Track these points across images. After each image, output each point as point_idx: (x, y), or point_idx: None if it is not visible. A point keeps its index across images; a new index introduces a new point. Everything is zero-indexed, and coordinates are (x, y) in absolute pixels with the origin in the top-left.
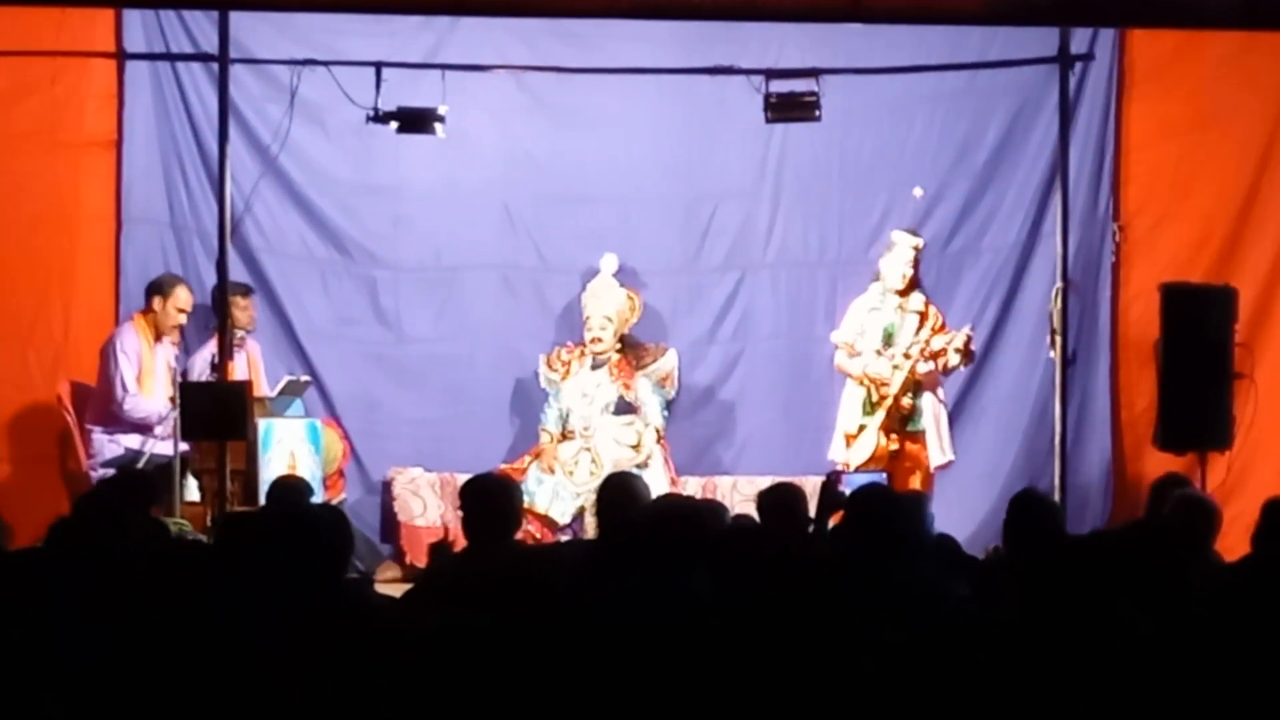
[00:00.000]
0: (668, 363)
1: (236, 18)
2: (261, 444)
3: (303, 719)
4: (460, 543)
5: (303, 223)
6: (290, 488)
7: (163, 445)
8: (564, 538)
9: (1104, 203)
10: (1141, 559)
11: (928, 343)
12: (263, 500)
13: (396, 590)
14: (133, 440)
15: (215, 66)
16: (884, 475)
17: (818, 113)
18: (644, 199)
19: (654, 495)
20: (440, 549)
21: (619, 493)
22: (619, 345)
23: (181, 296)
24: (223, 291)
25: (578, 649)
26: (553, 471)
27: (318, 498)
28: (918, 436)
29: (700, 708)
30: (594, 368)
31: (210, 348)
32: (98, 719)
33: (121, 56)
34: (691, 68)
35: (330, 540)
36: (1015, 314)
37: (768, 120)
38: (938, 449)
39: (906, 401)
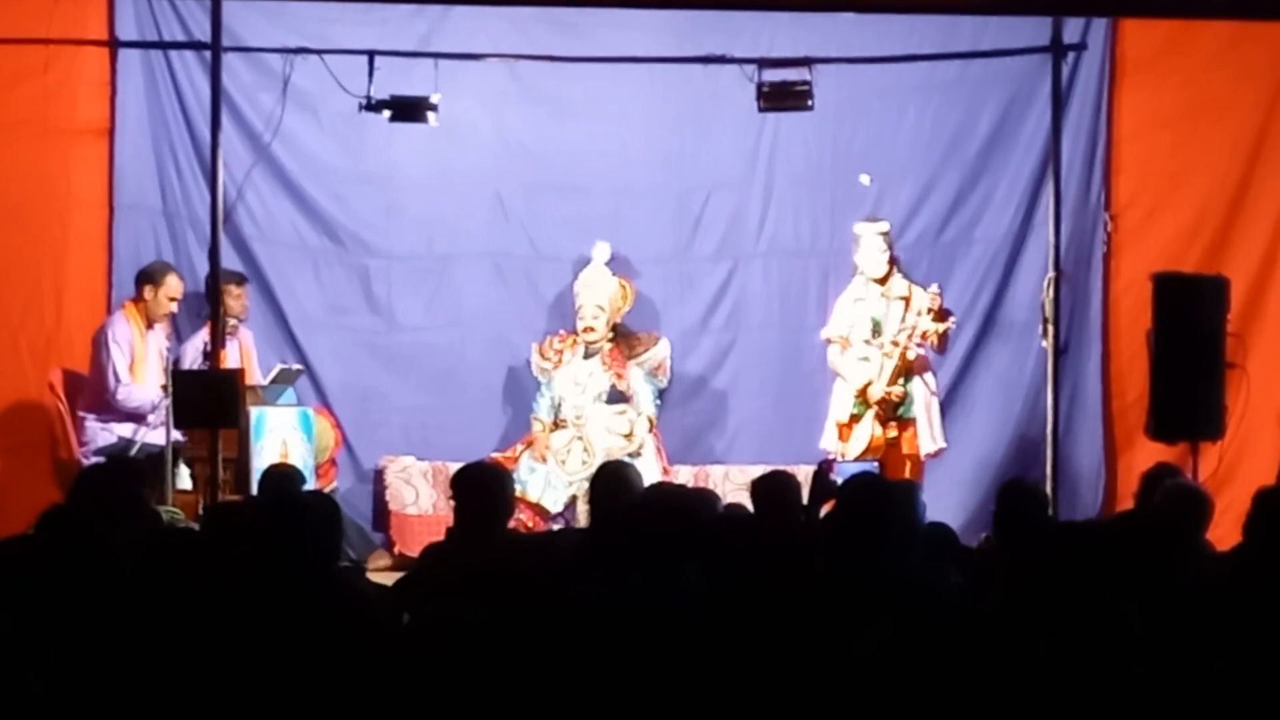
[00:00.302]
0: (660, 352)
1: (229, 6)
2: (254, 432)
3: (294, 706)
4: None
5: (295, 211)
6: (282, 476)
7: (155, 433)
8: (556, 526)
9: (1096, 193)
10: (1133, 549)
11: (913, 328)
12: (255, 489)
13: (388, 579)
14: (125, 428)
15: (208, 54)
16: (876, 464)
17: (810, 102)
18: (636, 188)
19: (646, 484)
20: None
21: (612, 482)
22: (611, 334)
23: (172, 284)
24: (215, 280)
25: (569, 638)
26: (545, 460)
27: (310, 486)
28: (909, 424)
29: (691, 696)
30: (586, 356)
31: (202, 336)
32: (87, 707)
33: (114, 44)
34: (684, 56)
35: (321, 528)
36: (1007, 304)
37: (760, 109)
38: (929, 437)
39: (898, 389)
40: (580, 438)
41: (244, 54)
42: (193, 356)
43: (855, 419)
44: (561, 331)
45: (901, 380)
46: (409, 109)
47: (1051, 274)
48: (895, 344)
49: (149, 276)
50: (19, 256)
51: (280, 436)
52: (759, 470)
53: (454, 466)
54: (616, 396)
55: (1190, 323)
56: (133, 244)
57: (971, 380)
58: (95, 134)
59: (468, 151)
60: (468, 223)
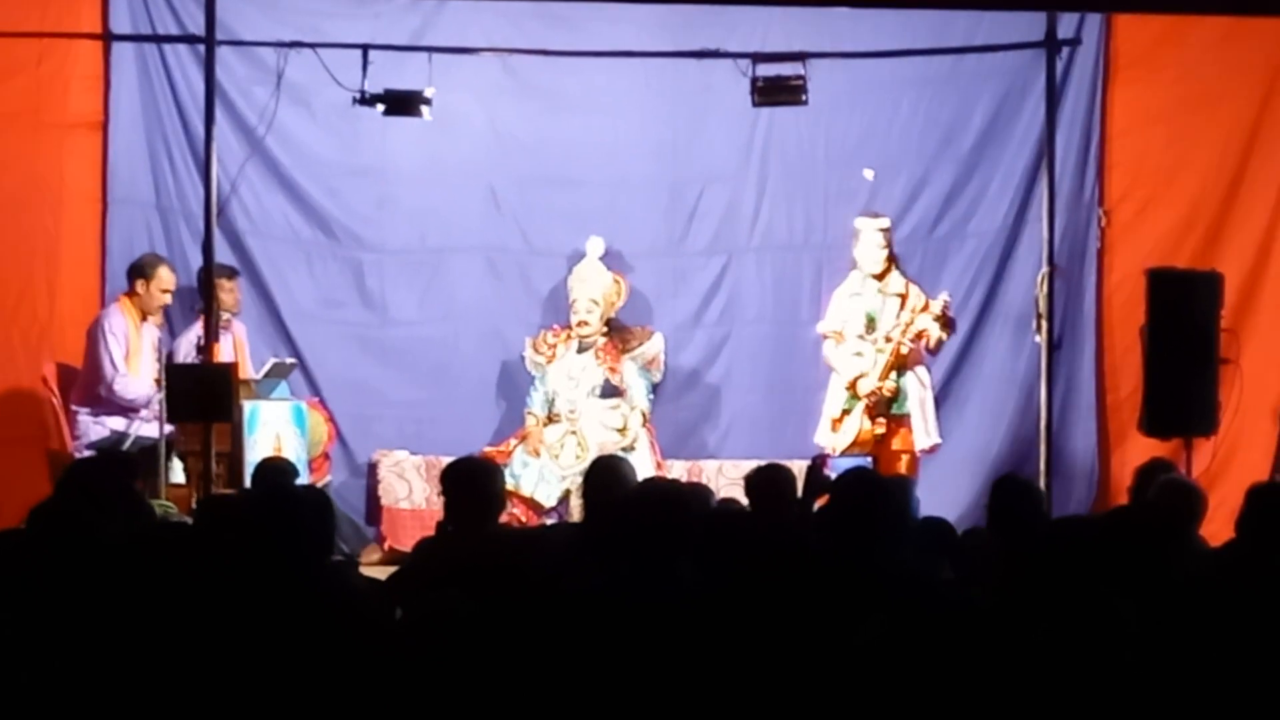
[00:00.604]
0: (653, 346)
1: (223, 0)
2: (247, 426)
3: (286, 701)
4: None
5: (288, 205)
6: (275, 469)
7: (148, 427)
8: (549, 521)
9: (1090, 188)
10: (1126, 544)
11: (909, 324)
12: (248, 482)
13: (381, 573)
14: (118, 422)
15: (201, 48)
16: (869, 459)
17: (804, 97)
18: (630, 182)
19: (639, 479)
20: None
21: (605, 476)
22: (605, 328)
23: (164, 277)
24: (208, 273)
25: (563, 631)
26: (538, 454)
27: (303, 480)
28: (903, 419)
29: (685, 689)
30: (580, 351)
31: (196, 330)
32: (80, 702)
33: (107, 38)
34: (678, 51)
35: (313, 522)
36: (1001, 299)
37: (754, 104)
38: (923, 432)
39: (891, 385)
40: (574, 432)
41: (238, 47)
42: (186, 350)
43: (847, 413)
44: (555, 326)
45: (894, 375)
46: (403, 103)
47: (1045, 269)
48: (889, 339)
49: (140, 270)
50: (12, 250)
51: (273, 430)
52: (752, 465)
53: (447, 460)
54: (610, 391)
55: (1184, 318)
56: (126, 238)
57: (966, 375)
58: (89, 127)
59: (461, 145)
60: (461, 216)
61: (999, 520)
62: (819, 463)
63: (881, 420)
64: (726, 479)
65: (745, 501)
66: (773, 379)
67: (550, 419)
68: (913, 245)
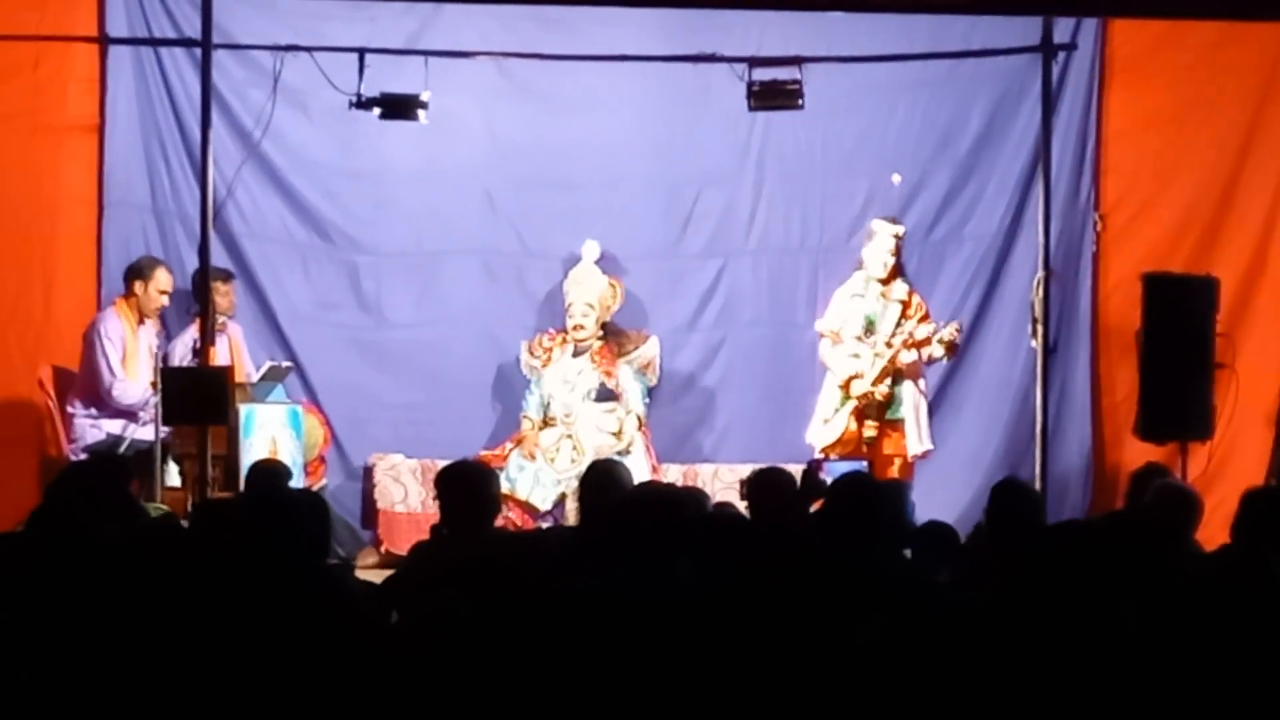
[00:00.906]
0: (649, 350)
1: (220, 2)
2: (243, 429)
3: (282, 704)
4: None
5: (284, 207)
6: (269, 472)
7: (144, 430)
8: (545, 524)
9: (1085, 192)
10: (1122, 548)
11: (911, 333)
12: (243, 486)
13: (377, 576)
14: (114, 425)
15: (198, 51)
16: (864, 464)
17: (801, 101)
18: (626, 185)
19: (635, 483)
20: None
21: (601, 480)
22: (601, 332)
23: (162, 279)
24: (204, 276)
25: (560, 632)
26: (534, 458)
27: (299, 483)
28: (896, 425)
29: (682, 690)
30: (575, 355)
31: (192, 333)
32: (77, 705)
33: (104, 40)
34: (674, 55)
35: (309, 525)
36: (997, 303)
37: (751, 108)
38: (916, 438)
39: (884, 390)
40: (569, 436)
41: (234, 51)
42: (182, 353)
43: (838, 413)
44: (551, 329)
45: (888, 381)
46: (399, 106)
47: (1041, 273)
48: (889, 345)
49: (138, 272)
50: (8, 253)
51: (269, 433)
52: (748, 468)
53: (443, 464)
54: (606, 394)
55: (1180, 322)
56: (122, 241)
57: (961, 379)
58: (85, 130)
59: (457, 148)
60: (457, 219)
61: (997, 523)
62: (815, 467)
63: (874, 424)
64: (722, 483)
65: (741, 506)
66: (769, 382)
67: (546, 422)
68: (909, 249)
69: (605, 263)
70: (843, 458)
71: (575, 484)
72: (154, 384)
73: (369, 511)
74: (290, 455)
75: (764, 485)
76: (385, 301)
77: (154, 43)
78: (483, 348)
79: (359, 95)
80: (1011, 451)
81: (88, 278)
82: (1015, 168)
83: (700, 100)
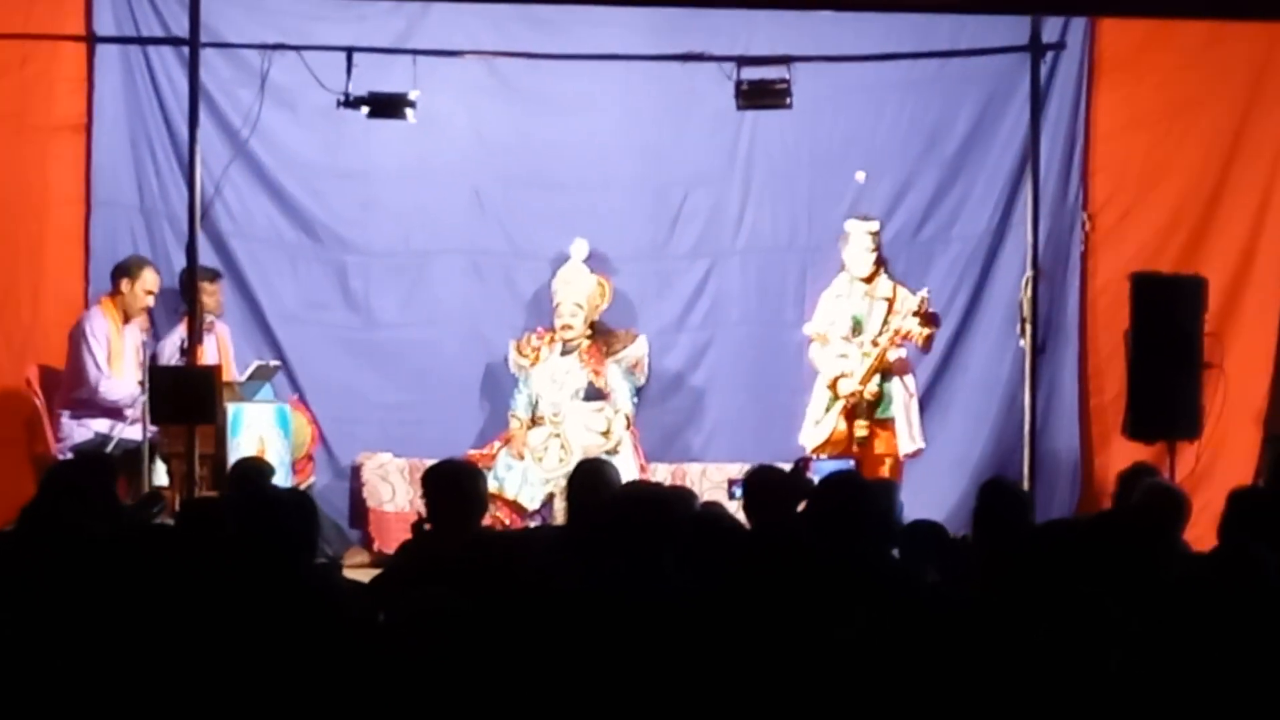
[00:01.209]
0: (638, 349)
1: (207, 1)
2: (230, 428)
3: (270, 703)
4: None
5: (272, 207)
6: (251, 470)
7: (131, 429)
8: (533, 524)
9: (1074, 192)
10: (1110, 548)
11: (896, 331)
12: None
13: (365, 576)
14: (101, 424)
15: (185, 50)
16: (852, 463)
17: (789, 100)
18: (614, 185)
19: (623, 482)
20: (421, 526)
21: (589, 479)
22: (589, 332)
23: (149, 278)
24: (192, 275)
25: (548, 628)
26: (522, 457)
27: (287, 482)
28: (887, 424)
29: (669, 686)
30: (564, 354)
31: (179, 332)
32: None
33: (91, 39)
34: (662, 54)
35: (295, 525)
36: (985, 302)
37: (739, 108)
38: (907, 437)
39: (873, 389)
40: (558, 435)
41: (222, 50)
42: (170, 353)
43: (827, 413)
44: (539, 329)
45: (877, 379)
46: (387, 106)
47: (1029, 273)
48: (875, 344)
49: (125, 270)
50: None
51: (257, 433)
52: (736, 468)
53: (431, 463)
54: (594, 394)
55: (1168, 322)
56: (110, 240)
57: (949, 379)
58: (72, 129)
59: (446, 147)
60: (445, 219)
61: (984, 523)
62: (802, 466)
63: (864, 424)
64: (710, 482)
65: (730, 506)
66: (757, 382)
67: (534, 422)
68: (897, 248)
69: (593, 262)
70: (832, 457)
71: (564, 483)
72: (141, 383)
73: (357, 511)
74: (278, 454)
75: (760, 484)
76: (373, 301)
77: (141, 41)
78: (471, 347)
79: (347, 94)
80: (999, 451)
81: (75, 277)
82: (1003, 167)
83: (688, 100)
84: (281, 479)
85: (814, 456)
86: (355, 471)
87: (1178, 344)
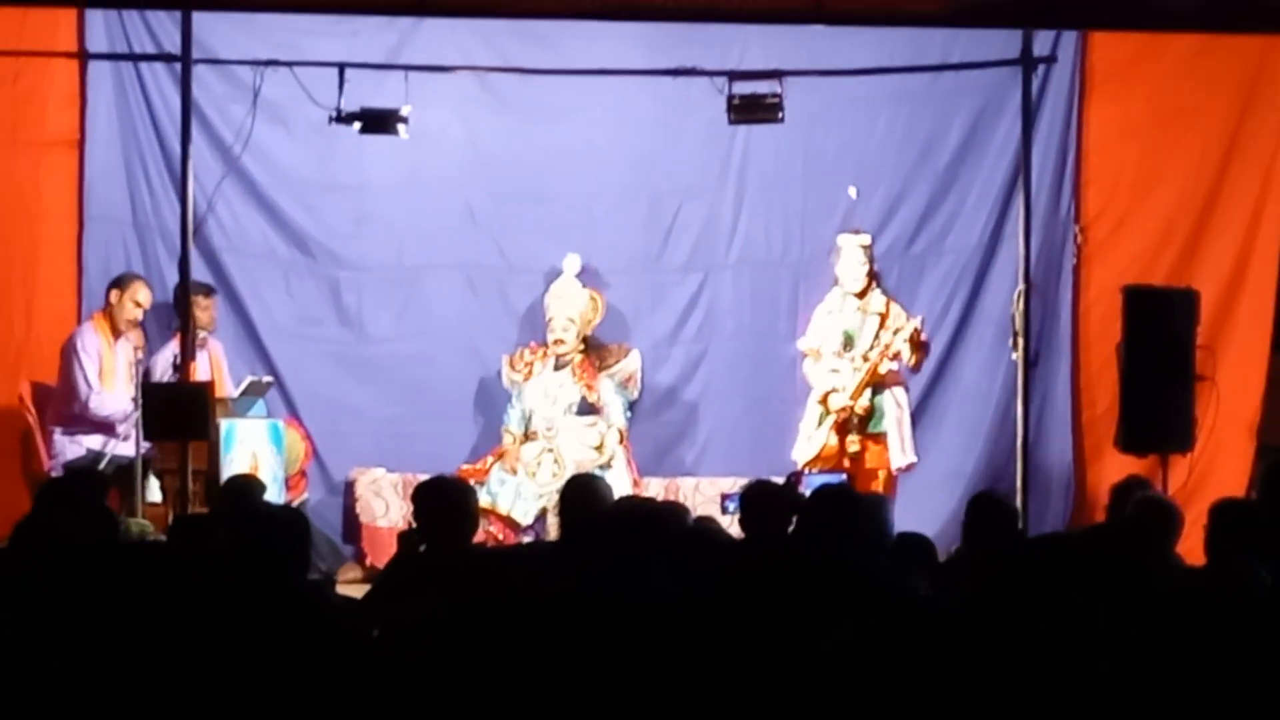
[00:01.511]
0: (631, 364)
1: (199, 17)
2: (223, 444)
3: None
4: None
5: (265, 222)
6: (242, 488)
7: (124, 446)
8: (526, 539)
9: (1066, 204)
10: (1103, 561)
11: (887, 346)
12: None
13: (358, 591)
14: (94, 441)
15: (178, 66)
16: (844, 476)
17: (781, 114)
18: (607, 199)
19: (616, 497)
20: (408, 537)
21: (582, 494)
22: (582, 346)
23: (138, 291)
24: (185, 291)
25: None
26: (515, 472)
27: (280, 498)
28: (879, 438)
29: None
30: (557, 368)
31: (172, 348)
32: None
33: (84, 56)
34: (654, 69)
35: (288, 541)
36: (977, 315)
37: (731, 122)
38: (899, 450)
39: (864, 403)
40: (551, 450)
41: (214, 65)
42: (162, 368)
43: (819, 428)
44: (532, 343)
45: (868, 394)
46: (379, 121)
47: (1022, 285)
48: (866, 359)
49: (116, 283)
50: None
51: (250, 449)
52: (730, 482)
53: (424, 478)
54: (587, 408)
55: (1160, 335)
56: (102, 255)
57: (942, 392)
58: (65, 145)
59: (438, 162)
60: (438, 233)
61: (974, 537)
62: (794, 480)
63: (855, 438)
64: (704, 496)
65: (723, 520)
66: (750, 395)
67: (527, 436)
68: (889, 261)
69: (586, 276)
70: (824, 472)
71: (556, 498)
72: (134, 399)
73: (350, 526)
74: (271, 470)
75: (758, 498)
76: (366, 316)
77: (134, 58)
78: (464, 362)
79: (339, 110)
80: (992, 464)
81: (68, 293)
82: (995, 180)
83: (681, 114)
84: (275, 495)
85: (806, 471)
86: (349, 487)
87: (1170, 356)
